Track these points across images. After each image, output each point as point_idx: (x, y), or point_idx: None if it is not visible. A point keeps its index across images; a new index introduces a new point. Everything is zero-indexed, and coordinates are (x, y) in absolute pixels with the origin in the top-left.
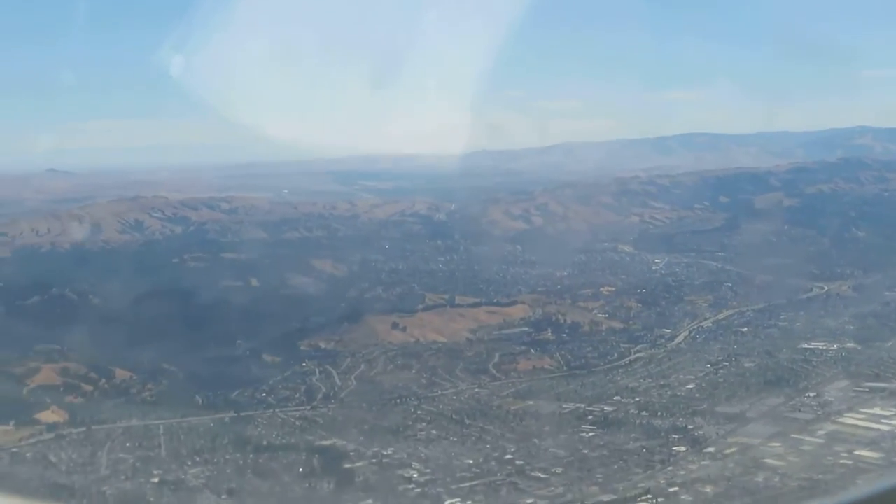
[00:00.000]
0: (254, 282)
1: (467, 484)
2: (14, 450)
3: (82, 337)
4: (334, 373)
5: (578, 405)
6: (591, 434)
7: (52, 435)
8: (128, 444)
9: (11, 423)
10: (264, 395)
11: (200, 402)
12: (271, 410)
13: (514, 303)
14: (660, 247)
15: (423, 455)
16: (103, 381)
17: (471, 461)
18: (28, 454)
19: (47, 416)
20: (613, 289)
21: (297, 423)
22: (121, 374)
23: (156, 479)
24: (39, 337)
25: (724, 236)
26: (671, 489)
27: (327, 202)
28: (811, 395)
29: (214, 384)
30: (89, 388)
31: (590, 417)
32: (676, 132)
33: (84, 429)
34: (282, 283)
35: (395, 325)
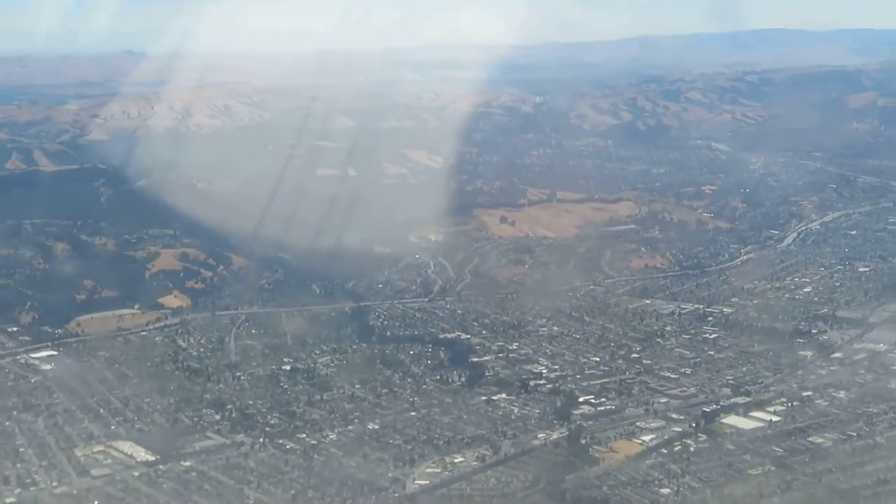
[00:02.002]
0: (351, 171)
1: (597, 381)
2: (143, 333)
3: (193, 222)
4: (448, 266)
5: (697, 306)
6: (714, 335)
7: (177, 320)
8: (253, 331)
9: (136, 306)
10: (380, 286)
11: (318, 291)
12: (389, 302)
13: (618, 199)
14: (754, 145)
15: (548, 351)
16: (221, 267)
17: (597, 359)
18: (157, 338)
19: (170, 301)
20: (715, 188)
21: (417, 314)
22: (237, 261)
23: (287, 367)
24: (150, 221)
25: (820, 136)
26: (804, 393)
27: (410, 91)
28: None
29: (329, 274)
30: (208, 274)
31: (710, 319)
32: (752, 28)
33: (207, 314)
34: (379, 172)
35: (503, 220)
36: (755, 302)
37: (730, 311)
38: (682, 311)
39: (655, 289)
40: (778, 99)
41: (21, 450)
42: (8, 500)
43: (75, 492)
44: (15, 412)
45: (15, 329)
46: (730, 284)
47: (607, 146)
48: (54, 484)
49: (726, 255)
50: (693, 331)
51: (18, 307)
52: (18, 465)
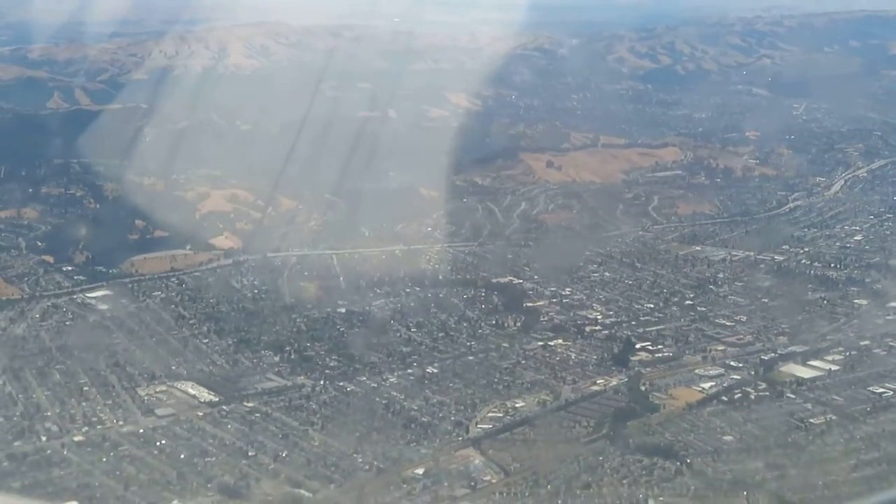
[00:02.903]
0: (391, 113)
1: (653, 328)
2: (196, 274)
3: (239, 164)
4: (496, 210)
5: (748, 253)
6: (767, 283)
7: (229, 261)
8: (305, 274)
9: (188, 247)
10: (429, 229)
11: (367, 234)
12: (439, 245)
13: (664, 145)
14: (795, 91)
15: (601, 297)
16: (270, 209)
17: (651, 305)
18: (210, 279)
19: (221, 242)
20: (758, 133)
21: (468, 258)
22: (286, 203)
23: (342, 309)
24: (196, 162)
25: (862, 82)
26: (862, 343)
27: (446, 33)
28: None
29: (377, 216)
30: (258, 215)
31: (762, 266)
32: None
33: (259, 256)
34: (420, 115)
35: (549, 164)
36: (806, 250)
37: (781, 258)
38: (734, 259)
39: (704, 235)
40: (818, 44)
41: (85, 388)
42: (76, 439)
43: (141, 430)
44: (75, 351)
45: (69, 268)
46: (779, 232)
47: (647, 90)
48: (120, 423)
49: (773, 203)
50: (746, 278)
51: (72, 247)
52: (83, 404)
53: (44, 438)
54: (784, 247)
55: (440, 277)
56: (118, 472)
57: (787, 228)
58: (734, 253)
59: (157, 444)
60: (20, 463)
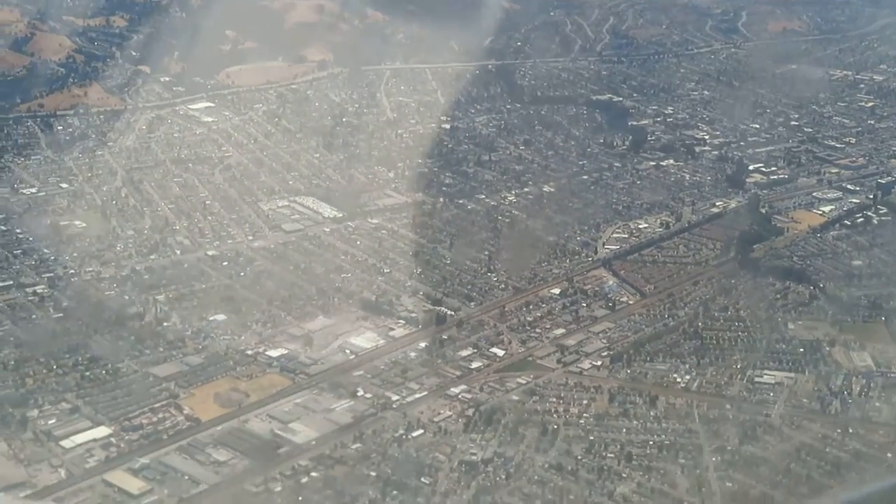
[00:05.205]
0: None
1: (763, 149)
2: (293, 87)
3: None
4: (584, 24)
5: (845, 72)
6: (870, 104)
7: (324, 73)
8: (402, 87)
9: (280, 58)
10: (519, 44)
11: (456, 48)
12: (531, 61)
13: None
14: None
15: (705, 116)
16: (357, 21)
17: (757, 125)
18: (308, 91)
19: (312, 54)
20: None
21: (563, 75)
22: (372, 14)
23: (446, 125)
24: None
25: None
26: None
27: None
28: None
29: (465, 31)
30: (346, 27)
31: (862, 86)
32: None
33: (352, 69)
34: None
35: None
36: None
37: (881, 78)
38: (832, 78)
39: (798, 53)
40: None
41: (207, 203)
42: (209, 253)
43: (272, 246)
44: (190, 164)
45: (167, 79)
46: (874, 51)
47: None
48: (250, 237)
49: (862, 20)
50: (847, 98)
51: (166, 56)
52: (209, 218)
53: (178, 252)
54: (881, 66)
55: (538, 94)
56: (258, 287)
57: (882, 47)
58: (831, 72)
59: (291, 259)
60: (160, 276)
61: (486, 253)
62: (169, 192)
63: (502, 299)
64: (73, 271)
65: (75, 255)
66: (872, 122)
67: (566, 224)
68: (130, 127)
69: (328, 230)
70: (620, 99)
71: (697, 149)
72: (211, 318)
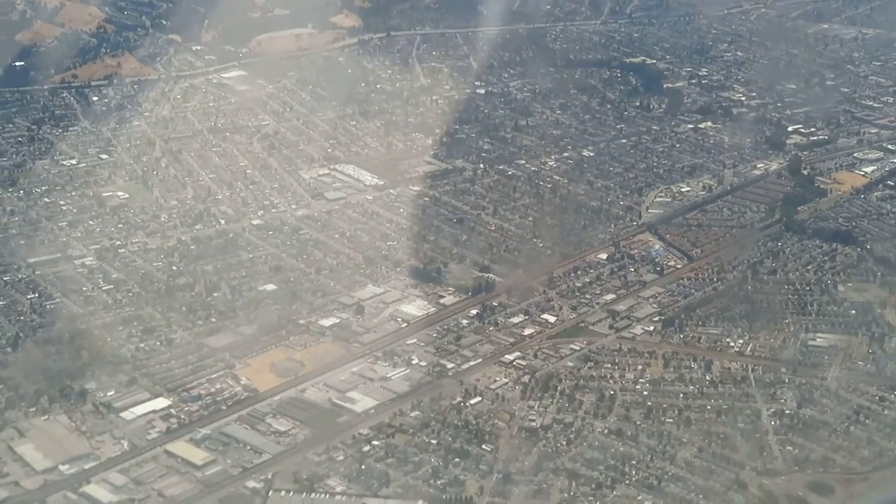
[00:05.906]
0: None
1: (800, 110)
2: (324, 54)
3: None
4: None
5: (878, 31)
6: None
7: (354, 40)
8: (433, 53)
9: (309, 25)
10: (548, 7)
11: (485, 12)
12: (561, 24)
13: None
14: None
15: (740, 78)
16: None
17: (794, 86)
18: (340, 59)
19: (342, 21)
20: None
21: (594, 38)
22: None
23: (481, 91)
24: None
25: None
26: None
27: None
28: None
29: None
30: None
31: (894, 44)
32: None
33: (383, 35)
34: None
35: None
36: None
37: None
38: (865, 37)
39: (829, 12)
40: None
41: (248, 172)
42: (254, 222)
43: (316, 214)
44: (227, 133)
45: (199, 48)
46: None
47: None
48: (293, 206)
49: None
50: (883, 57)
51: (196, 25)
52: (251, 187)
53: (222, 222)
54: None
55: (571, 57)
56: (305, 256)
57: None
58: (864, 31)
59: (336, 227)
60: (206, 246)
61: (531, 219)
62: (209, 161)
63: (550, 265)
64: (119, 243)
65: (120, 226)
66: None
67: (608, 189)
68: (165, 97)
69: (370, 198)
70: (654, 61)
71: (734, 111)
72: (261, 288)
